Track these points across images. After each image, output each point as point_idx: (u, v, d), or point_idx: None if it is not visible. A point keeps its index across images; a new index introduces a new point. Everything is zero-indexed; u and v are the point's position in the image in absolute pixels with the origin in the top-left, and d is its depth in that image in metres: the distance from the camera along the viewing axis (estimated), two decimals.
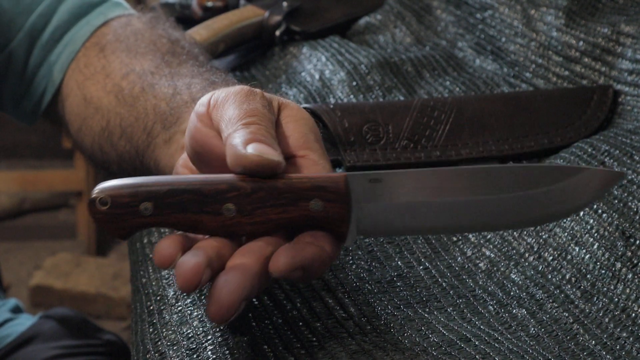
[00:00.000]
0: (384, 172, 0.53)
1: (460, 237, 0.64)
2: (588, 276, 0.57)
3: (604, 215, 0.60)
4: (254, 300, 0.57)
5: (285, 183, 0.50)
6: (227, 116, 0.53)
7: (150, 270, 0.64)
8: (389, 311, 0.56)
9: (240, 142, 0.50)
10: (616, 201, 0.61)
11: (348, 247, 0.53)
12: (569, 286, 0.57)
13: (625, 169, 0.63)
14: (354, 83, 0.84)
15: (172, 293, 0.60)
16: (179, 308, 0.58)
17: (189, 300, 0.58)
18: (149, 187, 0.50)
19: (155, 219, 0.50)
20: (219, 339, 0.54)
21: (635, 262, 0.56)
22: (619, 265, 0.57)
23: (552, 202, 0.53)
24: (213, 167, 0.54)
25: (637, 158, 0.63)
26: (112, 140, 0.73)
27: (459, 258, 0.62)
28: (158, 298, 0.60)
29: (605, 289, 0.56)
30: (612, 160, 0.64)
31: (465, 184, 0.53)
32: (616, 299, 0.55)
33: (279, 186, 0.50)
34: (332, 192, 0.50)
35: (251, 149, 0.50)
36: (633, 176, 0.62)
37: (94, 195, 0.50)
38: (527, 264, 0.60)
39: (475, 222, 0.53)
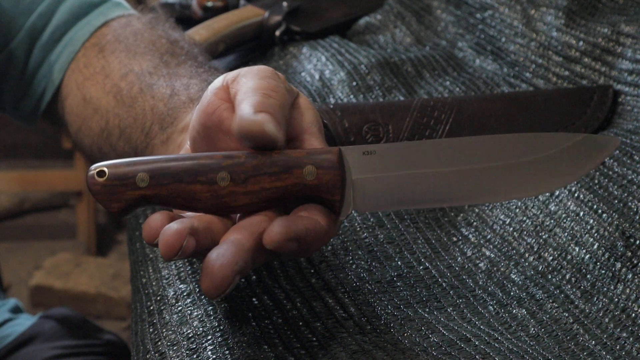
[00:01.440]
0: (378, 145, 0.53)
1: (460, 237, 0.64)
2: (588, 276, 0.57)
3: (604, 215, 0.60)
4: (254, 300, 0.57)
5: (279, 152, 0.51)
6: (247, 86, 0.54)
7: (151, 271, 0.64)
8: (389, 311, 0.56)
9: (253, 105, 0.51)
10: (616, 201, 0.61)
11: (343, 221, 0.54)
12: (569, 286, 0.57)
13: (625, 169, 0.63)
14: (354, 83, 0.84)
15: (172, 293, 0.60)
16: (179, 308, 0.58)
17: (189, 300, 0.58)
18: (145, 161, 0.51)
19: (151, 190, 0.50)
20: (219, 339, 0.54)
21: (635, 262, 0.56)
22: (619, 265, 0.57)
23: (551, 169, 0.53)
24: (216, 146, 0.55)
25: (637, 158, 0.63)
26: (110, 141, 0.73)
27: (459, 258, 0.62)
28: (158, 298, 0.60)
29: (605, 289, 0.56)
30: (612, 160, 0.64)
31: (462, 154, 0.53)
32: (616, 299, 0.55)
33: (273, 155, 0.51)
34: (325, 159, 0.51)
35: (260, 116, 0.50)
36: (633, 176, 0.62)
37: (91, 169, 0.51)
38: (527, 264, 0.60)
39: (473, 192, 0.53)
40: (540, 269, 0.59)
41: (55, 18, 0.81)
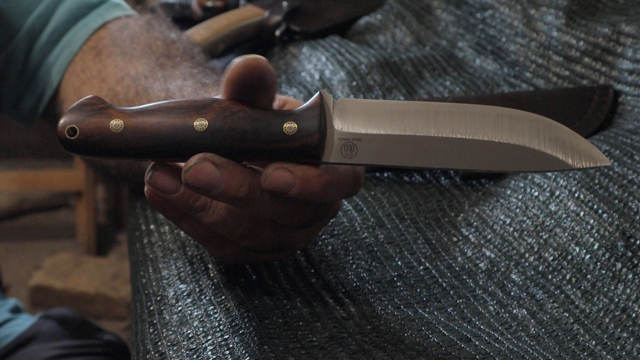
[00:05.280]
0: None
1: (460, 238, 0.64)
2: (588, 276, 0.57)
3: (604, 215, 0.60)
4: (254, 299, 0.57)
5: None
6: None
7: (151, 271, 0.64)
8: (389, 311, 0.56)
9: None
10: (617, 201, 0.60)
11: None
12: (570, 286, 0.57)
13: (625, 169, 0.63)
14: (354, 83, 0.84)
15: (172, 293, 0.60)
16: (179, 308, 0.58)
17: (189, 301, 0.58)
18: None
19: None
20: (219, 340, 0.54)
21: (635, 262, 0.56)
22: (619, 265, 0.57)
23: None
24: None
25: (638, 158, 0.63)
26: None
27: (459, 258, 0.62)
28: (158, 298, 0.60)
29: (605, 289, 0.56)
30: (612, 160, 0.64)
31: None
32: (617, 299, 0.55)
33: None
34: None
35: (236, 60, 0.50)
36: (633, 176, 0.62)
37: (60, 128, 0.49)
38: (527, 264, 0.60)
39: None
40: (540, 269, 0.59)
41: (54, 19, 0.81)
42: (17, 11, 0.81)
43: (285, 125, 0.50)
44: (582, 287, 0.57)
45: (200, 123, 0.49)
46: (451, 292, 0.58)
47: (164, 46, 0.77)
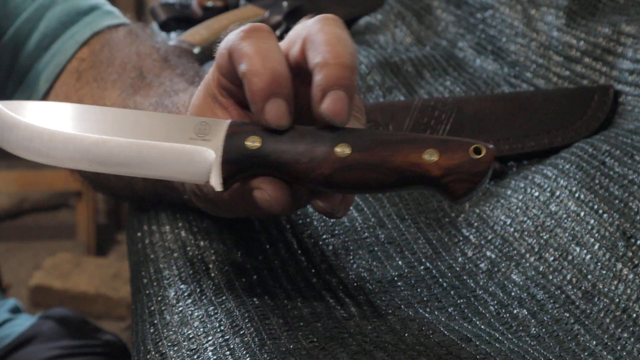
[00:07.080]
0: None
1: (461, 238, 0.64)
2: (589, 277, 0.57)
3: (605, 215, 0.60)
4: (255, 299, 0.57)
5: None
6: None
7: (152, 271, 0.64)
8: (390, 311, 0.56)
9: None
10: (617, 201, 0.60)
11: None
12: (570, 287, 0.57)
13: (626, 169, 0.63)
14: None
15: (173, 294, 0.60)
16: (180, 309, 0.58)
17: (189, 301, 0.58)
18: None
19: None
20: (220, 340, 0.54)
21: (636, 262, 0.56)
22: (619, 265, 0.57)
23: None
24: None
25: (638, 158, 0.63)
26: (109, 184, 0.72)
27: (460, 258, 0.62)
28: (159, 299, 0.60)
29: (606, 289, 0.56)
30: (612, 160, 0.64)
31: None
32: (617, 300, 0.55)
33: None
34: None
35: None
36: (634, 176, 0.62)
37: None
38: (528, 264, 0.60)
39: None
40: (541, 269, 0.59)
41: (43, 24, 0.79)
42: (3, 14, 0.80)
43: None
44: (583, 288, 0.57)
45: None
46: (452, 292, 0.58)
47: (138, 62, 0.75)
